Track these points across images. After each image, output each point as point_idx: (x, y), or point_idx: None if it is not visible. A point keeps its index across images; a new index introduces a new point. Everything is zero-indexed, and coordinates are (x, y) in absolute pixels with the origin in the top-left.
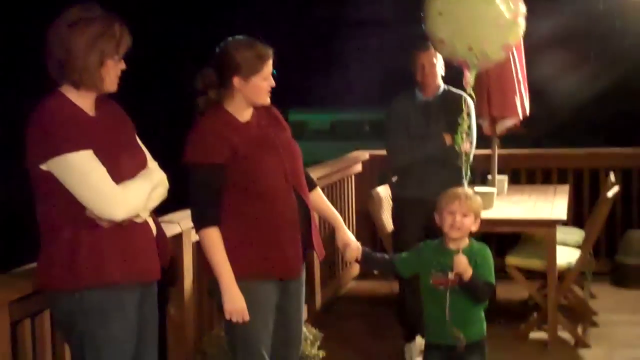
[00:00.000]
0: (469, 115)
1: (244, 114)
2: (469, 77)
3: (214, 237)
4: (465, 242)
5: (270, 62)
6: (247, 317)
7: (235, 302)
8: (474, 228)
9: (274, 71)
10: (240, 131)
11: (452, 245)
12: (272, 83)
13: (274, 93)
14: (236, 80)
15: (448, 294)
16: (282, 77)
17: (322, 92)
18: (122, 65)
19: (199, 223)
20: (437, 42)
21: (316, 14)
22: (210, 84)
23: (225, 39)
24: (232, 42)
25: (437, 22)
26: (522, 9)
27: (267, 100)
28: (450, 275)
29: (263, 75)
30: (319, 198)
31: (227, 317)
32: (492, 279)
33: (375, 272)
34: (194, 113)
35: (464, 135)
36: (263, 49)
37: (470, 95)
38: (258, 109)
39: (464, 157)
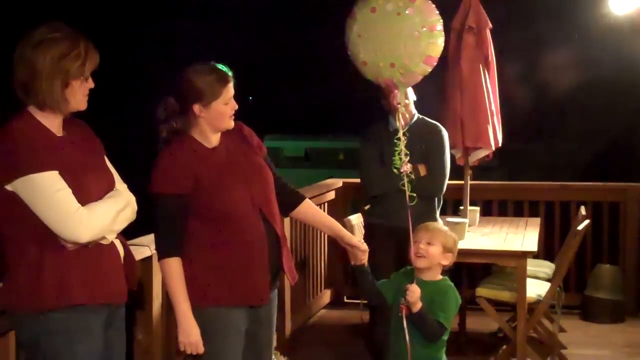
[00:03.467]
0: (438, 144)
1: (212, 139)
2: (399, 96)
3: (173, 268)
4: (436, 276)
5: (231, 85)
6: (201, 350)
7: (189, 335)
8: (445, 262)
9: (250, 97)
10: (205, 159)
11: (422, 277)
12: (234, 106)
13: (250, 119)
14: (196, 108)
15: (406, 324)
16: (258, 103)
17: (297, 119)
18: (90, 84)
19: (160, 253)
20: (361, 65)
21: (291, 41)
22: (172, 113)
23: (185, 67)
24: (191, 69)
25: (358, 44)
26: (437, 20)
27: (231, 124)
28: (402, 301)
29: (224, 100)
30: (310, 209)
31: (181, 348)
32: (446, 321)
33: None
34: (158, 142)
35: (403, 156)
36: (222, 72)
37: (403, 114)
38: (228, 131)
39: (405, 179)
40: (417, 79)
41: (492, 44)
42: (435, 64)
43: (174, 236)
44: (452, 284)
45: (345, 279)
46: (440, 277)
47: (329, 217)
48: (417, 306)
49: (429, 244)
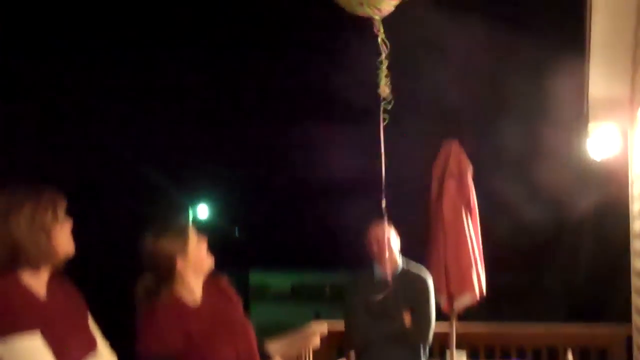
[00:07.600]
0: (423, 293)
1: (195, 293)
2: (377, 24)
3: None
4: None
5: (189, 229)
6: None
7: None
8: None
9: (237, 228)
10: (194, 318)
11: None
12: (204, 243)
13: (236, 252)
14: (179, 264)
15: None
16: (244, 238)
17: (282, 251)
18: (69, 224)
19: None
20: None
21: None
22: (150, 289)
23: (140, 240)
24: (147, 241)
25: None
26: None
27: (211, 262)
28: None
29: (194, 242)
30: None
31: None
32: None
33: None
34: (136, 303)
35: (384, 77)
36: (175, 226)
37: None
38: (207, 285)
39: (382, 105)
40: (387, 11)
41: (473, 188)
42: None
43: None
44: None
45: None
46: None
47: None
48: None
49: None
